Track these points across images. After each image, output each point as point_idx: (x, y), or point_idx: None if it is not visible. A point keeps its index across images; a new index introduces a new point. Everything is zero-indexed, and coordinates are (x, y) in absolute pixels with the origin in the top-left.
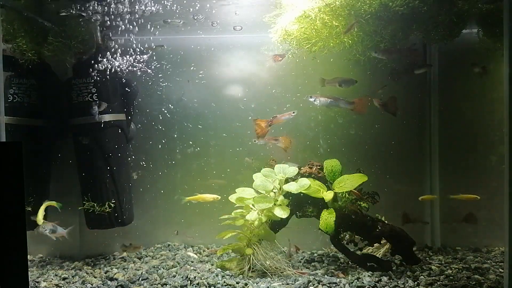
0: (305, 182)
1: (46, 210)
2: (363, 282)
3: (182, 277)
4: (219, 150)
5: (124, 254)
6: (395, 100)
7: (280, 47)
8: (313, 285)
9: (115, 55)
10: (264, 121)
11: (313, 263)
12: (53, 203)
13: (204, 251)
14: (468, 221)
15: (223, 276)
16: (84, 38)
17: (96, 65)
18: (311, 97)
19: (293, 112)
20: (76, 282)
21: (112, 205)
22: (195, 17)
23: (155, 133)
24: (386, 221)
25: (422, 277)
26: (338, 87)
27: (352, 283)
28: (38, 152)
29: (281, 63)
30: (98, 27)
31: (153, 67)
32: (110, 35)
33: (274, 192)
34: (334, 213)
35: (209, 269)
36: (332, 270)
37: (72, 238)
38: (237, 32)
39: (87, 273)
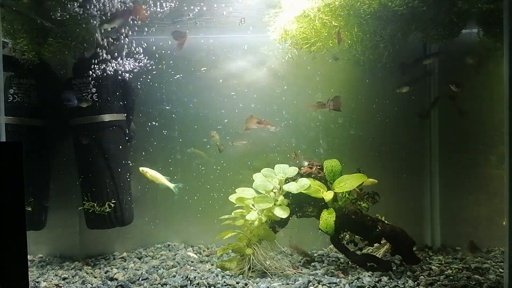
0: (305, 182)
1: (46, 210)
2: (363, 282)
3: (182, 277)
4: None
5: (124, 254)
6: (339, 98)
7: (279, 47)
8: (313, 285)
9: (115, 55)
10: None
11: (313, 263)
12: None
13: (204, 251)
14: None
15: (223, 276)
16: (84, 38)
17: (96, 65)
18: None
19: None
20: (76, 282)
21: (112, 205)
22: (197, 22)
23: (154, 133)
24: (386, 221)
25: (422, 277)
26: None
27: (352, 283)
28: (38, 152)
29: (281, 64)
30: (98, 27)
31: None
32: (110, 35)
33: (274, 192)
34: (334, 213)
35: (209, 269)
36: (332, 270)
37: (72, 238)
38: (237, 32)
39: (87, 273)
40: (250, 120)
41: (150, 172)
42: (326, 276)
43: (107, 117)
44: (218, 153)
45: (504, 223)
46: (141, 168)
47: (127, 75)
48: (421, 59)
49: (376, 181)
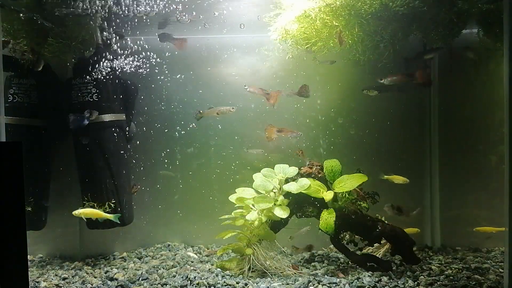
0: (305, 182)
1: (46, 210)
2: (363, 282)
3: (182, 277)
4: (219, 150)
5: (124, 254)
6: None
7: (280, 47)
8: (313, 285)
9: (115, 55)
10: None
11: (313, 263)
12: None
13: (204, 251)
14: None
15: (223, 276)
16: (84, 38)
17: (96, 65)
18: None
19: None
20: (76, 282)
21: (112, 205)
22: (205, 24)
23: (154, 133)
24: (386, 221)
25: (422, 277)
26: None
27: (352, 283)
28: (38, 152)
29: (281, 64)
30: (98, 27)
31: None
32: (110, 35)
33: (274, 192)
34: (334, 213)
35: (209, 269)
36: (332, 270)
37: (72, 238)
38: (237, 32)
39: (87, 273)
40: (269, 130)
41: (85, 211)
42: (326, 276)
43: (107, 117)
44: (218, 153)
45: (475, 229)
46: (74, 212)
47: (127, 75)
48: (422, 53)
49: (408, 180)
